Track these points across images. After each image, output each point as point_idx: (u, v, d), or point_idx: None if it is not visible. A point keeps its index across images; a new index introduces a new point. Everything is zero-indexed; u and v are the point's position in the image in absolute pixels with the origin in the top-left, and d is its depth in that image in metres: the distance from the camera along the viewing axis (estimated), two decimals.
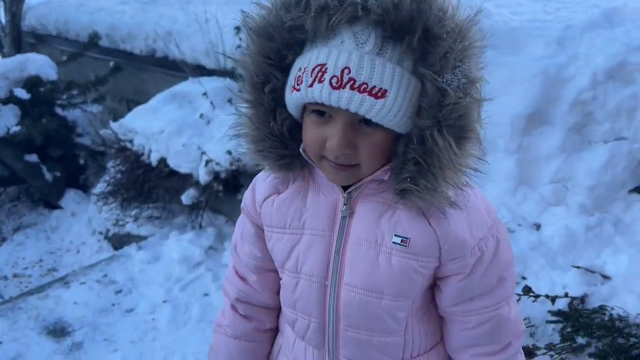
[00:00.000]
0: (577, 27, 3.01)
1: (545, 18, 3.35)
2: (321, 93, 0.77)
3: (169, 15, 4.98)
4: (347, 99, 0.76)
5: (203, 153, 3.34)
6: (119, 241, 3.86)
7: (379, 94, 0.75)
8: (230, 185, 3.45)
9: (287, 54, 0.82)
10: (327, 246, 0.92)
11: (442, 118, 0.77)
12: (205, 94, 3.72)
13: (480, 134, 0.82)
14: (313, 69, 0.77)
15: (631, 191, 2.59)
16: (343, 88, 0.75)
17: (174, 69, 4.51)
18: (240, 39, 3.84)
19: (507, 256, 0.95)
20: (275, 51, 0.82)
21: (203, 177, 3.31)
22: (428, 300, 0.98)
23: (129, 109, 4.51)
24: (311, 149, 0.86)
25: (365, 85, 0.75)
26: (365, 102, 0.75)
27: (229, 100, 3.66)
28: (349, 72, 0.75)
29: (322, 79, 0.76)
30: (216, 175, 3.33)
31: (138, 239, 3.69)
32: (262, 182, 1.00)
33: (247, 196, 1.04)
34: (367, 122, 0.80)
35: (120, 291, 3.16)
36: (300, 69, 0.80)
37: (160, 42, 4.60)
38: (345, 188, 0.91)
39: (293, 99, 0.83)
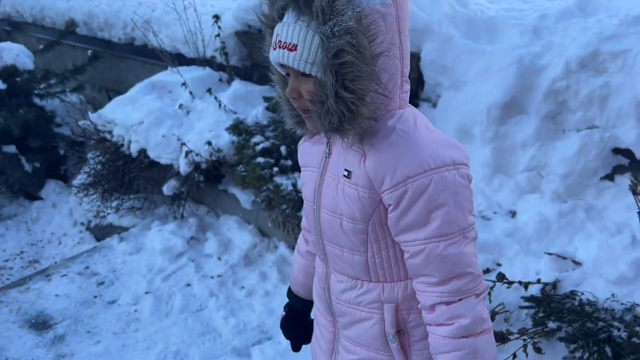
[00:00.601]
0: (552, 16, 3.04)
1: (523, 7, 3.38)
2: (270, 54, 1.11)
3: (147, 3, 4.92)
4: (276, 55, 1.08)
5: (183, 144, 3.33)
6: (100, 232, 3.85)
7: (292, 48, 1.04)
8: (211, 175, 3.46)
9: None
10: (316, 179, 1.23)
11: (326, 59, 1.01)
12: (184, 84, 3.70)
13: (369, 73, 1.02)
14: (271, 41, 1.11)
15: (602, 178, 2.65)
16: (275, 48, 1.08)
17: (153, 58, 4.47)
18: (220, 27, 3.82)
19: (443, 199, 1.06)
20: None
21: (183, 167, 3.31)
22: (390, 236, 1.16)
23: (110, 98, 4.47)
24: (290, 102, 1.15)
25: (285, 44, 1.05)
26: (284, 55, 1.06)
27: (209, 90, 3.65)
28: (279, 36, 1.07)
29: (271, 45, 1.10)
30: (197, 166, 3.34)
31: (120, 230, 3.69)
32: (303, 137, 1.34)
33: None
34: (303, 74, 1.07)
35: (102, 283, 3.17)
36: None
37: (139, 31, 4.55)
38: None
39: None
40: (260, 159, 2.99)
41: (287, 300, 1.55)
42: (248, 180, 3.05)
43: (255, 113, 3.34)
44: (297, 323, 1.52)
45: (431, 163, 1.05)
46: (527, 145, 2.75)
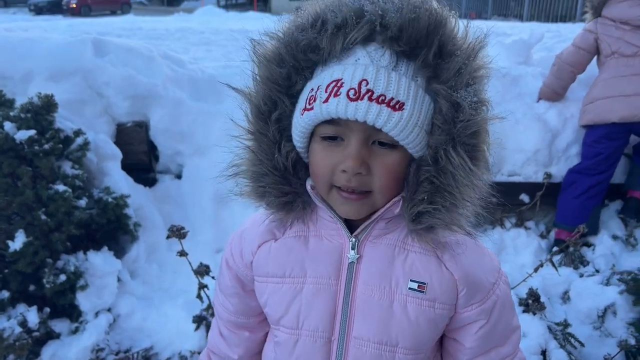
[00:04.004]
0: None
1: (240, 65, 3.34)
2: (337, 106, 0.74)
3: None
4: (364, 111, 0.73)
5: None
6: None
7: (397, 106, 0.74)
8: None
9: (297, 79, 0.81)
10: (333, 296, 0.86)
11: (456, 134, 0.76)
12: None
13: (487, 158, 0.80)
14: (328, 85, 0.76)
15: None
16: (361, 99, 0.73)
17: None
18: None
19: (512, 302, 0.93)
20: (284, 77, 0.81)
21: None
22: (434, 355, 0.94)
23: None
24: (321, 177, 0.81)
25: (383, 97, 0.74)
26: (382, 114, 0.74)
27: None
28: (367, 84, 0.74)
29: (338, 93, 0.74)
30: None
31: None
32: (255, 228, 0.93)
33: (232, 246, 0.97)
34: (381, 143, 0.78)
35: None
36: (312, 89, 0.78)
37: None
38: (351, 231, 0.86)
39: (303, 121, 0.79)
40: None
41: None
42: None
43: None
44: None
45: (496, 263, 0.90)
46: None
